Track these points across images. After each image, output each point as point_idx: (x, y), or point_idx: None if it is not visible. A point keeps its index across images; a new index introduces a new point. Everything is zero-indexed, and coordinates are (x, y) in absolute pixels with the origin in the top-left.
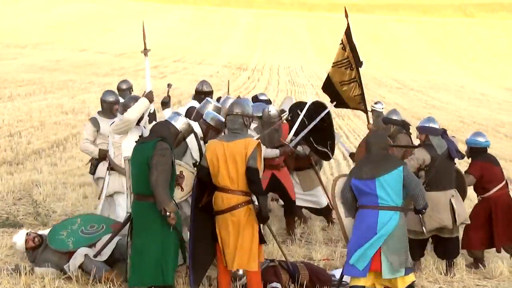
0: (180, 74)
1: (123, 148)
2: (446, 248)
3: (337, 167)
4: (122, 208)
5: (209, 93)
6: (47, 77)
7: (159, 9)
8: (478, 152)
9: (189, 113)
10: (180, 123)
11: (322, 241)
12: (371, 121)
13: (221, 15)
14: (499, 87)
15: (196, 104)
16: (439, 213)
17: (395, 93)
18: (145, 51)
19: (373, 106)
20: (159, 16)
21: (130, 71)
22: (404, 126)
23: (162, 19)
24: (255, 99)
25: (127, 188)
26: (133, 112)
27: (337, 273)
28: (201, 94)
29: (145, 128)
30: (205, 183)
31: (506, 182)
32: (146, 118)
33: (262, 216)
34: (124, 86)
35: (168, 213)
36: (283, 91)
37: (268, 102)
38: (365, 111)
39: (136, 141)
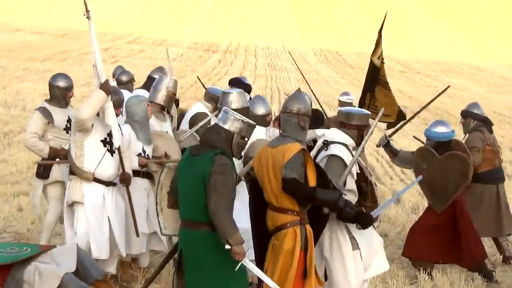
0: (135, 58)
1: (86, 148)
2: None
3: None
4: (81, 224)
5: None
6: None
7: None
8: (442, 147)
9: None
10: (230, 122)
11: None
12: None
13: None
14: None
15: (144, 93)
16: None
17: (398, 78)
18: (88, 13)
19: (339, 98)
20: None
21: (74, 55)
22: (486, 122)
23: None
24: (237, 83)
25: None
26: (86, 110)
27: None
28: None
29: (119, 127)
30: (261, 197)
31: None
32: (111, 114)
33: (342, 217)
34: (124, 78)
35: (233, 247)
36: (262, 76)
37: (248, 87)
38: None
39: (190, 151)
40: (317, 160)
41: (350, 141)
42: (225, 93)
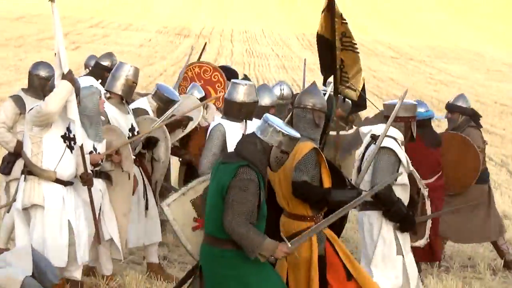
0: (98, 43)
1: (45, 145)
2: None
3: None
4: (39, 230)
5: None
6: None
7: None
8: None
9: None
10: (269, 134)
11: None
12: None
13: None
14: None
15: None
16: None
17: (389, 65)
18: None
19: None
20: None
21: (30, 41)
22: (473, 116)
23: None
24: (223, 71)
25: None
26: (54, 102)
27: None
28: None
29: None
30: (275, 201)
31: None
32: (74, 107)
33: (391, 216)
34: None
35: (273, 257)
36: (238, 64)
37: (235, 74)
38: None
39: (222, 158)
40: (365, 157)
41: (399, 135)
42: (235, 84)
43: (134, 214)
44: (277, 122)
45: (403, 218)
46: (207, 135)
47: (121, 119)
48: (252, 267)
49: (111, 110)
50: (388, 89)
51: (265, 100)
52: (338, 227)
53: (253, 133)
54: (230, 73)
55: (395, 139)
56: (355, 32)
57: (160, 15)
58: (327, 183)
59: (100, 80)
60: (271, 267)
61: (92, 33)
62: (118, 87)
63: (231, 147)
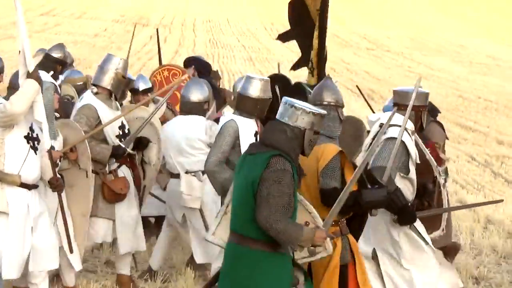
0: (50, 32)
1: (8, 146)
2: None
3: None
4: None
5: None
6: None
7: None
8: None
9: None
10: (298, 116)
11: None
12: None
13: None
14: None
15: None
16: None
17: (365, 57)
18: None
19: None
20: None
21: None
22: (432, 111)
23: None
24: (196, 63)
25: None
26: (20, 102)
27: None
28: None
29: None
30: None
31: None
32: (40, 107)
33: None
34: (68, 61)
35: (313, 246)
36: (201, 55)
37: (208, 67)
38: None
39: (248, 149)
40: (372, 145)
41: (409, 124)
42: (251, 79)
43: (128, 220)
44: (303, 104)
45: (401, 210)
46: (218, 130)
47: (110, 116)
48: (275, 274)
49: (100, 107)
50: (363, 83)
51: (198, 95)
52: (357, 232)
53: (278, 120)
54: (203, 66)
55: (405, 129)
56: (330, 22)
57: (117, 2)
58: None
59: (52, 73)
60: (290, 278)
61: (43, 22)
62: (107, 81)
63: (244, 145)
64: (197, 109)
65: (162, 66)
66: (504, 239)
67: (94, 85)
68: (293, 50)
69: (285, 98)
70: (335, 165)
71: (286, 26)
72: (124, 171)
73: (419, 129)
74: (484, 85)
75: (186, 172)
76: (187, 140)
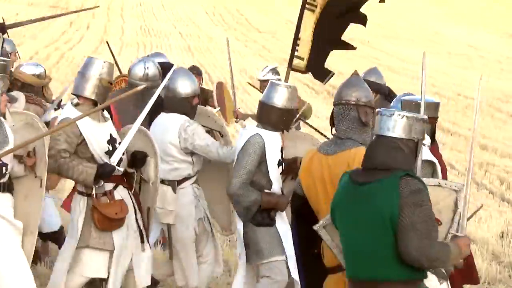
0: None
1: None
2: None
3: None
4: None
5: None
6: None
7: None
8: None
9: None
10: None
11: None
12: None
13: None
14: (500, 35)
15: None
16: None
17: None
18: None
19: (261, 77)
20: None
21: None
22: (389, 96)
23: None
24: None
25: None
26: None
27: None
28: None
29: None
30: (310, 218)
31: None
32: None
33: None
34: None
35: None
36: (131, 45)
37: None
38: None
39: (353, 178)
40: None
41: (427, 139)
42: (276, 86)
43: (124, 251)
44: (412, 112)
45: None
46: (240, 147)
47: (95, 130)
48: None
49: (82, 121)
50: (315, 81)
51: (185, 89)
52: None
53: (385, 137)
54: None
55: (424, 144)
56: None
57: None
58: None
59: None
60: None
61: None
62: (90, 90)
63: (272, 164)
64: (183, 106)
65: (122, 76)
66: (489, 262)
67: (75, 95)
68: (238, 39)
69: (382, 109)
70: None
71: (230, 10)
72: (122, 193)
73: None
74: (465, 80)
75: (161, 182)
76: (161, 143)
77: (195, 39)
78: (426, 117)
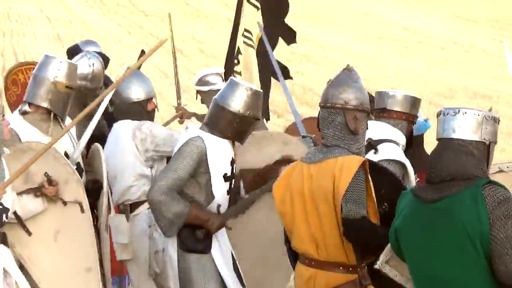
0: None
1: None
2: None
3: None
4: None
5: None
6: None
7: None
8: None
9: None
10: (479, 126)
11: None
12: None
13: None
14: (444, 15)
15: None
16: None
17: (224, 32)
18: None
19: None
20: None
21: None
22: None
23: None
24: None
25: None
26: None
27: None
28: None
29: None
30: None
31: None
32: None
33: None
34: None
35: None
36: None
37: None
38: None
39: (419, 195)
40: None
41: (401, 138)
42: (235, 85)
43: None
44: (476, 109)
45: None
46: (175, 149)
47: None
48: None
49: (26, 134)
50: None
51: (137, 93)
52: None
53: (450, 140)
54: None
55: (396, 143)
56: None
57: None
58: (371, 211)
59: None
60: None
61: None
62: (42, 96)
63: (216, 177)
64: (136, 112)
65: (23, 63)
66: None
67: (29, 103)
68: (120, 24)
69: (446, 108)
70: (360, 183)
71: None
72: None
73: (409, 145)
74: (400, 71)
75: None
76: (114, 160)
77: (66, 25)
78: (498, 115)
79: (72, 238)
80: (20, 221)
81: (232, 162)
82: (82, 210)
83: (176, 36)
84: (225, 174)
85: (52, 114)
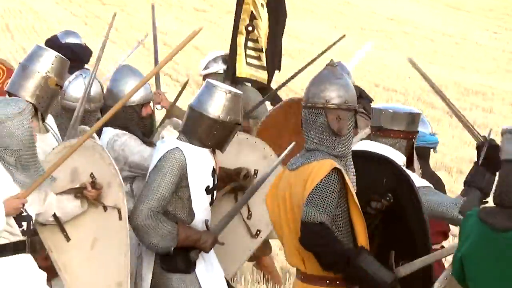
0: None
1: None
2: None
3: None
4: None
5: None
6: None
7: None
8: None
9: None
10: None
11: None
12: None
13: None
14: (433, 4)
15: None
16: None
17: (193, 22)
18: None
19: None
20: None
21: None
22: (360, 96)
23: None
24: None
25: None
26: None
27: None
28: None
29: None
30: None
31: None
32: None
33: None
34: None
35: None
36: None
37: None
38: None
39: (489, 223)
40: None
41: (400, 158)
42: (213, 88)
43: None
44: None
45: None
46: (153, 165)
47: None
48: None
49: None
50: (179, 70)
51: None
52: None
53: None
54: (77, 51)
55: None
56: None
57: None
58: (358, 225)
59: None
60: None
61: None
62: (30, 90)
63: (197, 190)
64: (127, 117)
65: None
66: None
67: (8, 93)
68: (76, 14)
69: (509, 127)
70: (328, 189)
71: None
72: None
73: (409, 163)
74: (385, 65)
75: None
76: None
77: (16, 14)
78: None
79: (109, 248)
80: (59, 224)
81: (213, 172)
82: (120, 217)
83: (137, 27)
84: (208, 186)
85: (39, 113)
